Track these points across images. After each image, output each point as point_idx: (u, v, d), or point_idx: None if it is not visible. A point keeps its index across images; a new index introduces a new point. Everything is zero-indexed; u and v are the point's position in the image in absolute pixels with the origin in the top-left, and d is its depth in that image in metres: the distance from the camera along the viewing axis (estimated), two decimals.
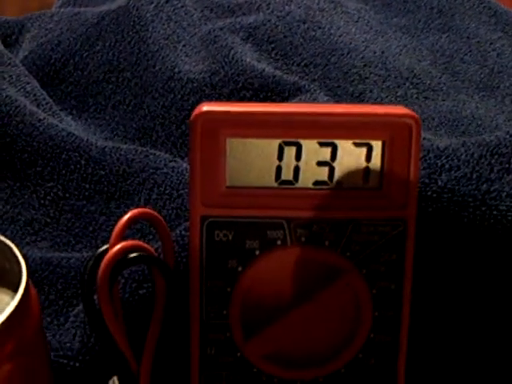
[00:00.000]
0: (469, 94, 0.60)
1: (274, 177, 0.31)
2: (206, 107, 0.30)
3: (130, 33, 0.56)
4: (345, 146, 0.31)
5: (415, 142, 0.31)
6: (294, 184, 0.31)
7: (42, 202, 0.43)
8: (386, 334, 0.32)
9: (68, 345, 0.34)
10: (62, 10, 0.62)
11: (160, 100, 0.52)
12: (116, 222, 0.30)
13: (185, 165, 0.44)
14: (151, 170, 0.43)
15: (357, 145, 0.31)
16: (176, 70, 0.52)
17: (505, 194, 0.35)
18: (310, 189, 0.31)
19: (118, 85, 0.54)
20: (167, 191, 0.42)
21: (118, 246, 0.30)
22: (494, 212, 0.34)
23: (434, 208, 0.34)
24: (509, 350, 0.34)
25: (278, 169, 0.31)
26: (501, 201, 0.34)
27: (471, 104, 0.58)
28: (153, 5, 0.58)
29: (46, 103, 0.50)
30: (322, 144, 0.31)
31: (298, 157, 0.31)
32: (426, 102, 0.57)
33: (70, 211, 0.43)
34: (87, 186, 0.43)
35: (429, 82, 0.60)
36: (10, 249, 0.25)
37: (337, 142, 0.31)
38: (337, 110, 0.31)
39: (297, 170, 0.31)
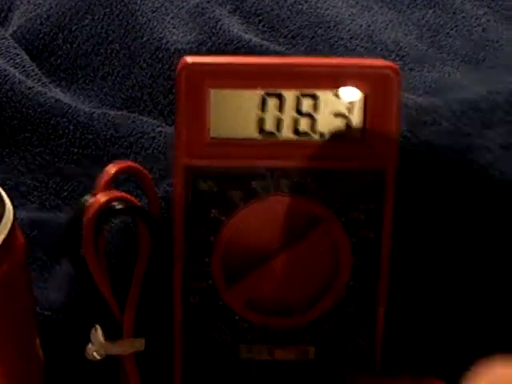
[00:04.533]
0: (454, 66, 0.61)
1: (257, 128, 0.32)
2: (190, 59, 0.31)
3: (119, 6, 0.56)
4: (326, 98, 0.31)
5: (396, 93, 0.31)
6: (276, 135, 0.32)
7: (31, 166, 0.44)
8: (365, 282, 0.33)
9: (53, 297, 0.34)
10: None
11: (148, 70, 0.52)
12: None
13: (170, 131, 0.45)
14: (138, 135, 0.44)
15: (338, 96, 0.31)
16: (164, 41, 0.53)
17: (485, 148, 0.35)
18: (293, 140, 0.32)
19: (107, 56, 0.54)
20: (154, 154, 0.42)
21: (104, 197, 0.31)
22: (475, 166, 0.35)
23: (414, 161, 0.35)
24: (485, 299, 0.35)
25: (261, 120, 0.32)
26: (481, 155, 0.35)
27: (456, 75, 0.59)
28: None
29: (35, 74, 0.51)
30: (303, 95, 0.31)
31: (281, 108, 0.31)
32: (411, 74, 0.58)
33: (58, 175, 0.43)
34: (75, 150, 0.43)
35: (414, 54, 0.61)
36: None
37: (318, 93, 0.31)
38: (318, 62, 0.32)
39: (279, 121, 0.32)
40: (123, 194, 0.32)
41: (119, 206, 0.31)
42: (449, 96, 0.40)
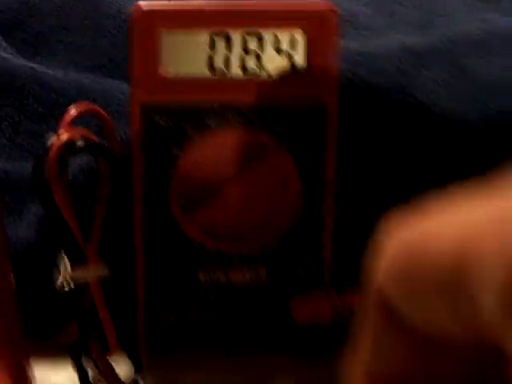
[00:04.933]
0: (403, 33, 0.64)
1: (207, 66, 0.34)
2: (143, 4, 0.34)
3: None
4: (270, 37, 0.34)
5: (334, 32, 0.34)
6: (225, 72, 0.34)
7: (1, 126, 0.46)
8: (313, 208, 0.36)
9: (22, 235, 0.37)
10: None
11: (111, 39, 0.54)
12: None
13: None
14: (99, 93, 0.46)
15: (281, 35, 0.34)
16: (124, 9, 0.55)
17: (422, 85, 0.39)
18: (240, 77, 0.34)
19: (70, 29, 0.56)
20: (120, 109, 0.45)
21: (66, 135, 0.33)
22: (412, 101, 0.38)
23: (354, 98, 0.38)
24: None
25: (210, 59, 0.34)
26: (417, 91, 0.38)
27: (405, 40, 0.62)
28: None
29: (1, 46, 0.53)
30: (249, 34, 0.34)
31: (229, 47, 0.34)
32: (362, 39, 0.61)
33: (26, 133, 0.45)
34: (41, 109, 0.46)
35: (366, 21, 0.64)
36: None
37: (263, 32, 0.34)
38: (262, 3, 0.34)
39: (228, 59, 0.34)
40: (85, 131, 0.34)
41: (80, 143, 0.34)
42: (388, 43, 0.43)
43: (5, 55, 0.49)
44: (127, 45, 0.54)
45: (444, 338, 0.18)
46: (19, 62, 0.49)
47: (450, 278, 0.16)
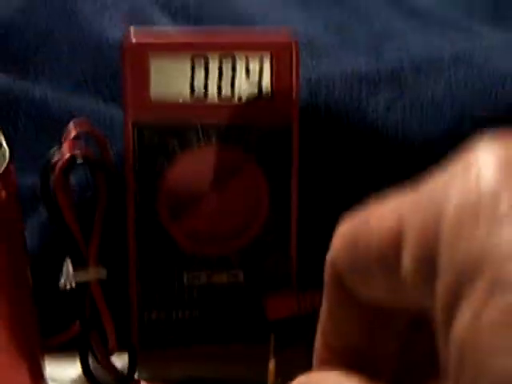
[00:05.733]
0: (356, 55, 0.70)
1: (189, 91, 0.40)
2: (133, 37, 0.39)
3: (61, 5, 0.63)
4: (242, 66, 0.40)
5: (295, 60, 0.40)
6: (204, 96, 0.40)
7: None
8: (281, 215, 0.41)
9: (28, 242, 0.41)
10: None
11: (91, 61, 0.59)
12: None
13: (115, 110, 0.52)
14: (88, 112, 0.51)
15: (251, 64, 0.40)
16: (104, 34, 0.60)
17: (371, 108, 0.44)
18: (217, 100, 0.40)
19: (53, 50, 0.61)
20: (102, 128, 0.50)
21: (69, 152, 0.38)
22: (363, 122, 0.44)
23: (314, 120, 0.43)
24: None
25: (192, 84, 0.40)
26: (369, 113, 0.44)
27: (358, 61, 0.68)
28: None
29: None
30: (224, 65, 0.40)
31: (206, 75, 0.40)
32: (318, 62, 0.67)
33: (21, 147, 0.50)
34: (32, 126, 0.51)
35: (322, 46, 0.70)
36: None
37: (236, 63, 0.40)
38: (234, 36, 0.40)
39: (206, 85, 0.40)
40: (83, 149, 0.39)
41: (80, 160, 0.39)
42: (343, 70, 0.49)
43: None
44: (105, 65, 0.59)
45: (384, 309, 0.20)
46: (9, 79, 0.54)
47: (387, 250, 0.18)
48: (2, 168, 0.31)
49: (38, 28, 0.62)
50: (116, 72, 0.58)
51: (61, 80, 0.59)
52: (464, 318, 0.15)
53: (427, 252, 0.17)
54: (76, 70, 0.60)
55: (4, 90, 0.52)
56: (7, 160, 0.32)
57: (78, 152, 0.39)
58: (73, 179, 0.40)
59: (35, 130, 0.50)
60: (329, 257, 0.20)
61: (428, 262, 0.17)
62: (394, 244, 0.18)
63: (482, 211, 0.16)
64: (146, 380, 0.40)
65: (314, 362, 0.22)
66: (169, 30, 0.42)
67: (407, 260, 0.17)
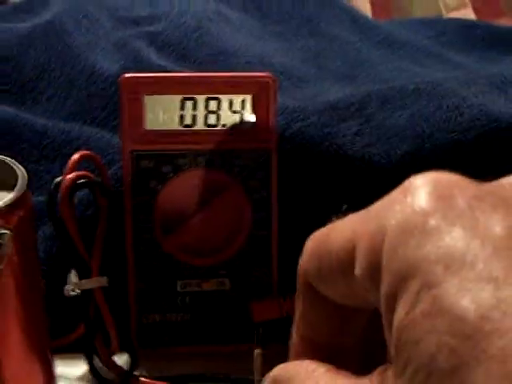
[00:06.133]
0: (332, 83, 0.76)
1: (179, 122, 0.45)
2: (128, 75, 0.44)
3: (57, 41, 0.68)
4: (226, 100, 0.45)
5: (274, 95, 0.45)
6: (192, 126, 0.45)
7: None
8: (262, 230, 0.46)
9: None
10: None
11: (85, 91, 0.64)
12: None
13: (109, 135, 0.57)
14: (84, 138, 0.56)
15: (234, 98, 0.45)
16: (97, 67, 0.65)
17: (341, 134, 0.50)
18: (204, 129, 0.45)
19: (50, 82, 0.66)
20: (98, 152, 0.55)
21: (73, 174, 0.43)
22: (334, 147, 0.49)
23: (291, 145, 0.49)
24: None
25: (182, 116, 0.45)
26: (338, 139, 0.50)
27: (333, 89, 0.73)
28: (73, 19, 0.71)
29: None
30: (210, 98, 0.45)
31: (195, 108, 0.45)
32: (297, 90, 0.72)
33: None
34: (35, 152, 0.55)
35: (299, 75, 0.75)
36: (10, 162, 0.38)
37: (220, 96, 0.45)
38: (219, 75, 0.46)
39: (194, 117, 0.45)
40: (85, 172, 0.44)
41: (83, 181, 0.44)
42: (316, 100, 0.54)
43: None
44: (98, 96, 0.64)
45: (348, 307, 0.23)
46: (9, 110, 0.59)
47: (344, 258, 0.21)
48: (20, 189, 0.36)
49: (36, 61, 0.68)
50: (108, 101, 0.63)
51: (56, 109, 0.64)
52: (401, 310, 0.18)
53: (373, 260, 0.20)
54: (71, 99, 0.65)
55: (5, 118, 0.57)
56: (26, 181, 0.37)
57: (80, 173, 0.43)
58: (75, 199, 0.45)
59: (37, 156, 0.55)
60: (300, 265, 0.24)
61: (374, 267, 0.20)
62: (349, 253, 0.21)
63: (414, 227, 0.19)
64: (144, 377, 0.44)
65: (290, 354, 0.25)
66: (161, 73, 0.46)
67: (359, 266, 0.21)
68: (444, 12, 1.75)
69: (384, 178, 0.49)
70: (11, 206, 0.35)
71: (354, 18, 0.90)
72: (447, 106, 0.52)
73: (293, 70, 0.76)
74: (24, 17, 0.78)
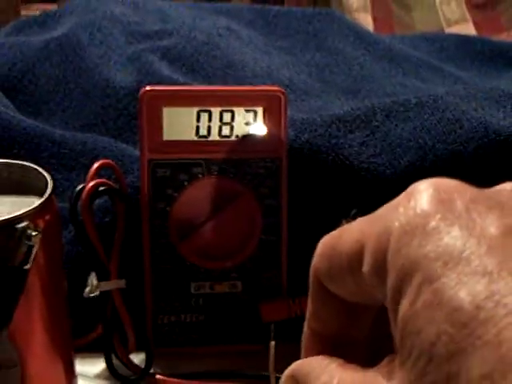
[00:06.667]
0: (336, 96, 0.78)
1: (194, 133, 0.47)
2: (149, 88, 0.47)
3: (72, 54, 0.71)
4: (239, 112, 0.48)
5: (284, 108, 0.48)
6: (207, 137, 0.48)
7: None
8: (272, 235, 0.49)
9: None
10: (10, 39, 0.77)
11: (99, 103, 0.67)
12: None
13: (124, 145, 0.60)
14: (101, 149, 0.59)
15: (247, 111, 0.48)
16: (110, 80, 0.68)
17: (347, 145, 0.52)
18: (218, 140, 0.48)
19: (65, 94, 0.69)
20: (113, 161, 0.57)
21: (93, 182, 0.46)
22: (340, 157, 0.52)
23: (300, 155, 0.51)
24: None
25: (197, 127, 0.47)
26: (345, 150, 0.52)
27: (338, 103, 0.76)
28: (87, 33, 0.74)
29: (12, 108, 0.65)
30: (224, 111, 0.47)
31: (210, 119, 0.47)
32: (302, 103, 0.75)
33: None
34: (54, 161, 0.58)
35: (305, 88, 0.78)
36: (36, 169, 0.40)
37: (234, 109, 0.47)
38: (233, 88, 0.48)
39: (209, 128, 0.47)
40: (105, 180, 0.47)
41: (102, 189, 0.46)
42: (322, 112, 0.57)
43: (16, 116, 0.61)
44: (112, 108, 0.67)
45: (357, 303, 0.25)
46: (29, 121, 0.61)
47: (353, 257, 0.23)
48: (47, 194, 0.38)
49: (51, 74, 0.70)
50: (121, 112, 0.66)
51: (72, 120, 0.67)
52: (405, 303, 0.20)
53: (380, 258, 0.21)
54: (86, 111, 0.67)
55: (25, 129, 0.59)
56: (51, 187, 0.39)
57: (100, 181, 0.46)
58: (94, 206, 0.47)
59: (56, 165, 0.57)
60: (312, 265, 0.26)
61: (380, 265, 0.21)
62: (358, 252, 0.23)
63: (416, 228, 0.20)
64: (160, 374, 0.46)
65: (302, 348, 0.27)
66: (179, 87, 0.49)
67: (366, 264, 0.22)
68: (445, 26, 1.78)
69: (388, 186, 0.51)
70: (40, 210, 0.38)
71: (358, 33, 0.93)
72: (448, 119, 0.55)
73: (299, 83, 0.79)
74: (39, 30, 0.81)
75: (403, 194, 0.22)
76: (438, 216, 0.21)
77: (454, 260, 0.19)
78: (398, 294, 0.20)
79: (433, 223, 0.20)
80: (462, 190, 0.22)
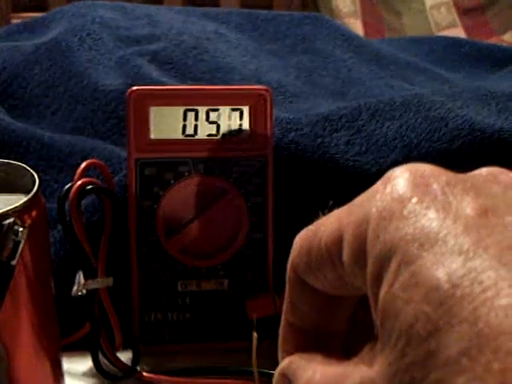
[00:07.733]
0: (324, 98, 0.79)
1: (181, 132, 0.48)
2: (136, 88, 0.47)
3: (61, 58, 0.72)
4: (226, 111, 0.48)
5: (270, 107, 0.48)
6: (194, 136, 0.48)
7: None
8: (258, 233, 0.49)
9: None
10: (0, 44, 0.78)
11: (88, 106, 0.67)
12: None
13: (112, 146, 0.60)
14: (89, 150, 0.59)
15: (233, 110, 0.48)
16: (99, 83, 0.68)
17: (333, 144, 0.53)
18: (205, 139, 0.48)
19: (55, 97, 0.69)
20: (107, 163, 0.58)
21: (81, 181, 0.46)
22: (326, 156, 0.52)
23: (286, 154, 0.52)
24: None
25: (184, 126, 0.48)
26: (330, 148, 0.52)
27: (326, 105, 0.76)
28: (77, 37, 0.74)
29: (1, 112, 0.66)
30: (211, 110, 0.48)
31: (196, 118, 0.48)
32: (290, 105, 0.75)
33: None
34: (43, 163, 0.58)
35: (293, 90, 0.78)
36: (23, 167, 0.41)
37: (220, 108, 0.48)
38: (220, 88, 0.49)
39: (196, 127, 0.48)
40: (93, 179, 0.47)
41: (90, 187, 0.46)
42: (309, 112, 0.57)
43: (5, 118, 0.62)
44: (101, 111, 0.67)
45: (335, 296, 0.25)
46: (18, 124, 0.62)
47: (332, 248, 0.23)
48: (34, 191, 0.39)
49: (41, 78, 0.71)
50: (110, 115, 0.66)
51: (61, 123, 0.67)
52: (384, 287, 0.20)
53: (359, 246, 0.22)
54: (75, 114, 0.68)
55: (14, 131, 0.59)
56: (37, 184, 0.39)
57: (88, 180, 0.46)
58: (82, 205, 0.48)
59: (44, 167, 0.58)
60: (290, 259, 0.26)
61: (360, 253, 0.22)
62: (337, 242, 0.23)
63: (393, 212, 0.21)
64: (147, 371, 0.47)
65: (279, 342, 0.27)
66: (166, 86, 0.49)
67: (346, 253, 0.22)
68: (435, 31, 1.79)
69: (373, 184, 0.51)
70: (27, 206, 0.38)
71: (346, 36, 0.94)
72: (433, 118, 0.55)
73: (287, 85, 0.79)
74: (29, 36, 0.81)
75: (380, 181, 0.23)
76: (415, 199, 0.21)
77: (430, 241, 0.20)
78: (378, 279, 0.21)
79: (409, 207, 0.21)
80: (437, 173, 0.22)
